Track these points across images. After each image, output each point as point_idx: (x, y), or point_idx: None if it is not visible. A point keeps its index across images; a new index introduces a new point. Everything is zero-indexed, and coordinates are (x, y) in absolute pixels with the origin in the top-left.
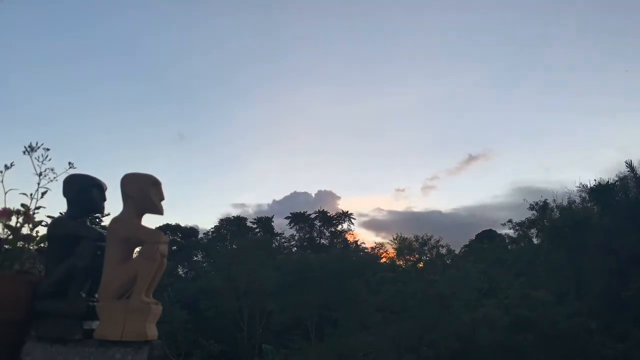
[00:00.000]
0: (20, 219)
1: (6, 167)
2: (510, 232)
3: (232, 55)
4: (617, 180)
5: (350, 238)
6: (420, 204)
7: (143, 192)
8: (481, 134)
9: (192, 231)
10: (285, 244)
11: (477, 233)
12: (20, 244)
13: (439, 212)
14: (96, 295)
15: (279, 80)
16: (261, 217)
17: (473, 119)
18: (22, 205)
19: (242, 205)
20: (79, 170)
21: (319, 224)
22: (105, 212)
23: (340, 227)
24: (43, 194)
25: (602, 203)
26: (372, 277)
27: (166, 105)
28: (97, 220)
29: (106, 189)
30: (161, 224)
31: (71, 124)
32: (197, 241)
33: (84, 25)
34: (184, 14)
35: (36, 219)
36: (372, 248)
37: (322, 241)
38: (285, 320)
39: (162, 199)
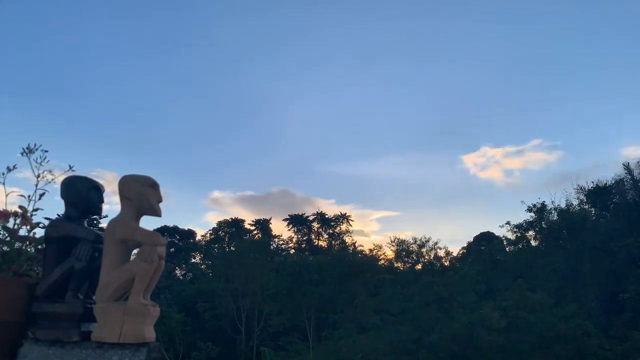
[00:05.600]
0: (18, 221)
1: (8, 169)
2: (508, 234)
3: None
4: (614, 183)
5: (348, 240)
6: None
7: (141, 194)
8: None
9: (190, 233)
10: (283, 246)
11: (475, 235)
12: (18, 245)
13: None
14: (94, 297)
15: None
16: (259, 219)
17: None
18: (20, 207)
19: None
20: (77, 172)
21: (317, 226)
22: (103, 213)
23: (338, 228)
24: (41, 195)
25: (600, 205)
26: (370, 279)
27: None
28: (95, 222)
29: (104, 190)
30: (159, 226)
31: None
32: (195, 243)
33: None
34: None
35: (34, 221)
36: (370, 250)
37: (320, 243)
38: (283, 322)
39: (160, 200)
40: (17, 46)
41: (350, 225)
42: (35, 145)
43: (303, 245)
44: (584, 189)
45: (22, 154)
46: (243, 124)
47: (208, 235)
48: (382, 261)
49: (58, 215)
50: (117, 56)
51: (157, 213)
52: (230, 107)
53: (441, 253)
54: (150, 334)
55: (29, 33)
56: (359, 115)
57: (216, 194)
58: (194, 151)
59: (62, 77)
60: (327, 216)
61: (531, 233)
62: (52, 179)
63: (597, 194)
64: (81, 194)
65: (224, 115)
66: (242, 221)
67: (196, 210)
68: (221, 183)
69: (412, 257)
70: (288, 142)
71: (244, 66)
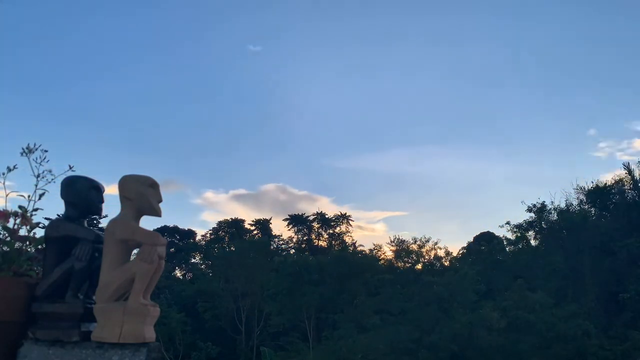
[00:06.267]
0: (18, 221)
1: (9, 169)
2: (508, 234)
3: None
4: (614, 182)
5: (348, 240)
6: None
7: (141, 194)
8: None
9: (190, 233)
10: (283, 246)
11: (475, 235)
12: (18, 245)
13: None
14: (94, 297)
15: None
16: (259, 219)
17: None
18: (20, 207)
19: None
20: (77, 172)
21: (317, 226)
22: (103, 213)
23: (338, 228)
24: (41, 195)
25: (600, 205)
26: (370, 279)
27: None
28: (95, 222)
29: (104, 190)
30: (159, 226)
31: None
32: (195, 243)
33: None
34: None
35: (34, 221)
36: (370, 250)
37: (320, 243)
38: (283, 322)
39: (160, 200)
40: (17, 46)
41: (351, 226)
42: (35, 145)
43: (303, 245)
44: (584, 189)
45: (22, 154)
46: (240, 121)
47: (208, 235)
48: (382, 261)
49: (58, 215)
50: (115, 55)
51: (157, 213)
52: (226, 103)
53: (441, 253)
54: (150, 334)
55: (29, 33)
56: (360, 108)
57: (209, 193)
58: (190, 150)
59: (62, 76)
60: (327, 216)
61: (531, 233)
62: (52, 179)
63: (597, 194)
64: (81, 194)
65: (220, 112)
66: (242, 221)
67: (192, 210)
68: (216, 182)
69: (412, 257)
70: (287, 139)
71: (241, 60)
